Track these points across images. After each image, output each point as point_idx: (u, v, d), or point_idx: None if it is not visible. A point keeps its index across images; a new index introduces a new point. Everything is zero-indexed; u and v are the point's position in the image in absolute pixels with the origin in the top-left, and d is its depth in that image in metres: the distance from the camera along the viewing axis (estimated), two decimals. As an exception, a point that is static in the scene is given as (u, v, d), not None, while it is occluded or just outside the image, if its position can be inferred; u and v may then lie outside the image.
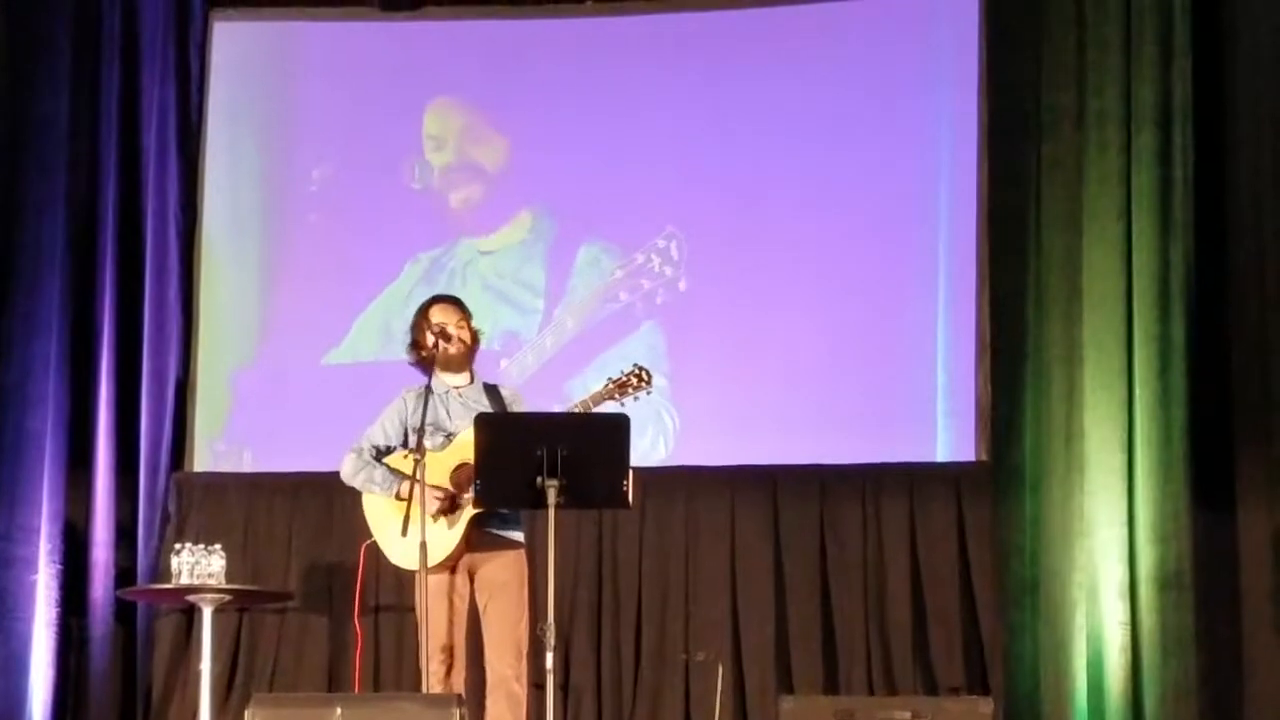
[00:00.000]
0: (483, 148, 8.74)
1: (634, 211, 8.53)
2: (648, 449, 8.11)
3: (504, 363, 8.38)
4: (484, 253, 8.64)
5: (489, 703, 6.62)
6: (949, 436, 8.17)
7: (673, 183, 8.51)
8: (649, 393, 6.64)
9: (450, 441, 6.65)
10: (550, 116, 8.64)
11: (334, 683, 8.20)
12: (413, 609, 6.66)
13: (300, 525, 8.41)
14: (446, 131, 8.75)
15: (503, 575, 6.66)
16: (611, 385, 6.61)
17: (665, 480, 8.05)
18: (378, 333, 8.56)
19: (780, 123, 8.46)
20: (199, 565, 7.62)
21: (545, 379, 8.40)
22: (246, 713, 5.93)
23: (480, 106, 8.76)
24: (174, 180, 8.73)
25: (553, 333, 8.48)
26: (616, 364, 7.95)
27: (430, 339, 6.71)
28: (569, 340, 8.48)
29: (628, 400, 6.58)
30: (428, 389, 6.61)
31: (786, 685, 7.91)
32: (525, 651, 6.63)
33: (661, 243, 8.41)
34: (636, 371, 6.61)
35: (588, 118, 8.63)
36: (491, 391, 6.83)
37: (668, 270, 8.39)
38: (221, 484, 8.53)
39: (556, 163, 8.63)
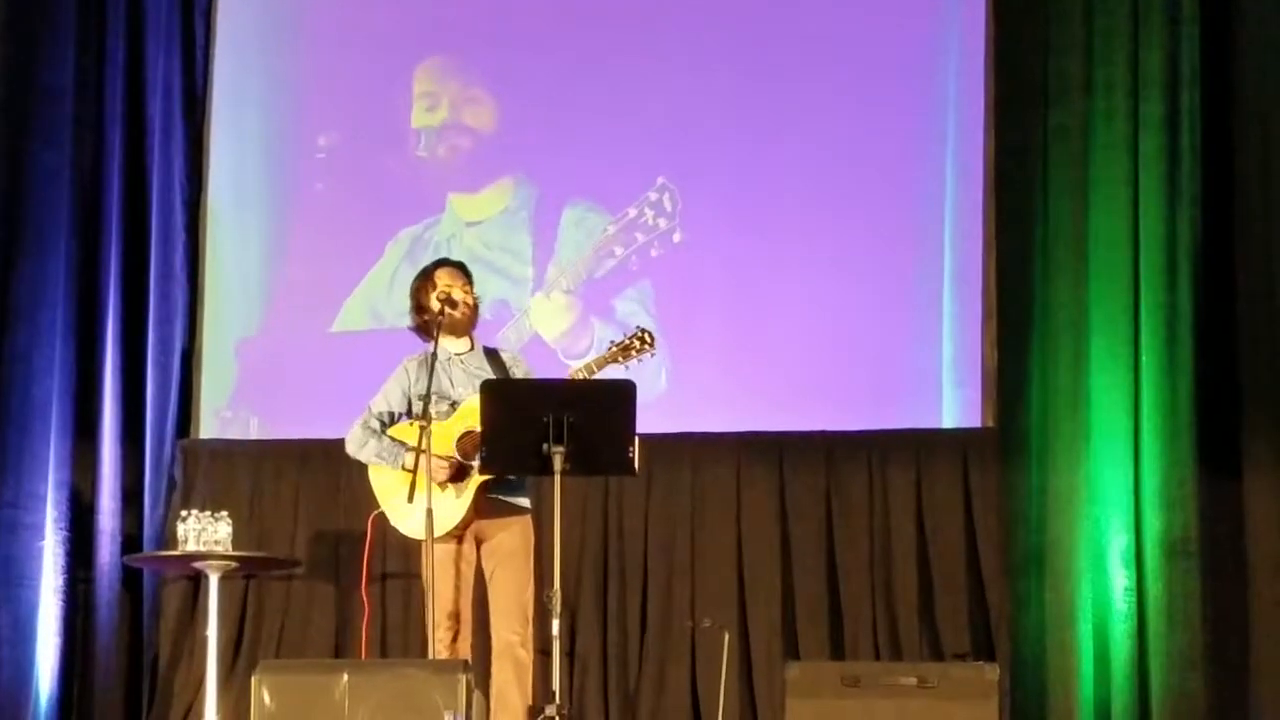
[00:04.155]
0: (472, 108, 8.70)
1: (619, 168, 8.48)
2: (651, 379, 8.05)
3: (504, 328, 8.37)
4: (470, 224, 8.62)
5: (495, 669, 6.64)
6: (955, 404, 8.16)
7: (662, 139, 8.45)
8: (652, 355, 6.65)
9: (455, 409, 6.66)
10: (535, 78, 8.59)
11: (340, 650, 8.21)
12: (419, 576, 6.67)
13: (307, 492, 8.40)
14: (438, 90, 8.72)
15: (509, 542, 6.67)
16: (615, 349, 6.62)
17: (671, 447, 8.04)
18: (378, 299, 8.56)
19: (783, 89, 8.42)
20: (205, 532, 7.62)
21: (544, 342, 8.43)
22: (253, 679, 5.94)
23: (470, 67, 8.71)
24: (179, 148, 8.71)
25: (549, 294, 8.46)
26: (617, 317, 8.03)
27: (436, 304, 6.71)
28: (567, 301, 8.46)
29: (631, 363, 6.58)
30: (432, 356, 6.61)
31: (792, 651, 7.91)
32: (531, 618, 6.65)
33: (654, 195, 8.38)
34: (639, 334, 6.61)
35: (570, 79, 8.58)
36: (493, 356, 6.83)
37: (661, 222, 8.37)
38: (228, 451, 8.53)
39: (541, 124, 8.58)
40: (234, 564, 7.73)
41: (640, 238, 8.39)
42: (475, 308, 6.84)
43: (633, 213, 8.39)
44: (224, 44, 8.81)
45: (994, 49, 8.24)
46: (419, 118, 8.70)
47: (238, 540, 7.76)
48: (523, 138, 8.63)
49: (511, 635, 6.61)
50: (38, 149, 8.56)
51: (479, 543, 6.70)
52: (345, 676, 5.87)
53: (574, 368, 6.71)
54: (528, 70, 8.61)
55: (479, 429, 6.31)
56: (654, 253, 8.39)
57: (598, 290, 8.44)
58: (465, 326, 6.81)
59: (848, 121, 8.38)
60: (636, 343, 6.61)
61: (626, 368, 6.58)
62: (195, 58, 8.80)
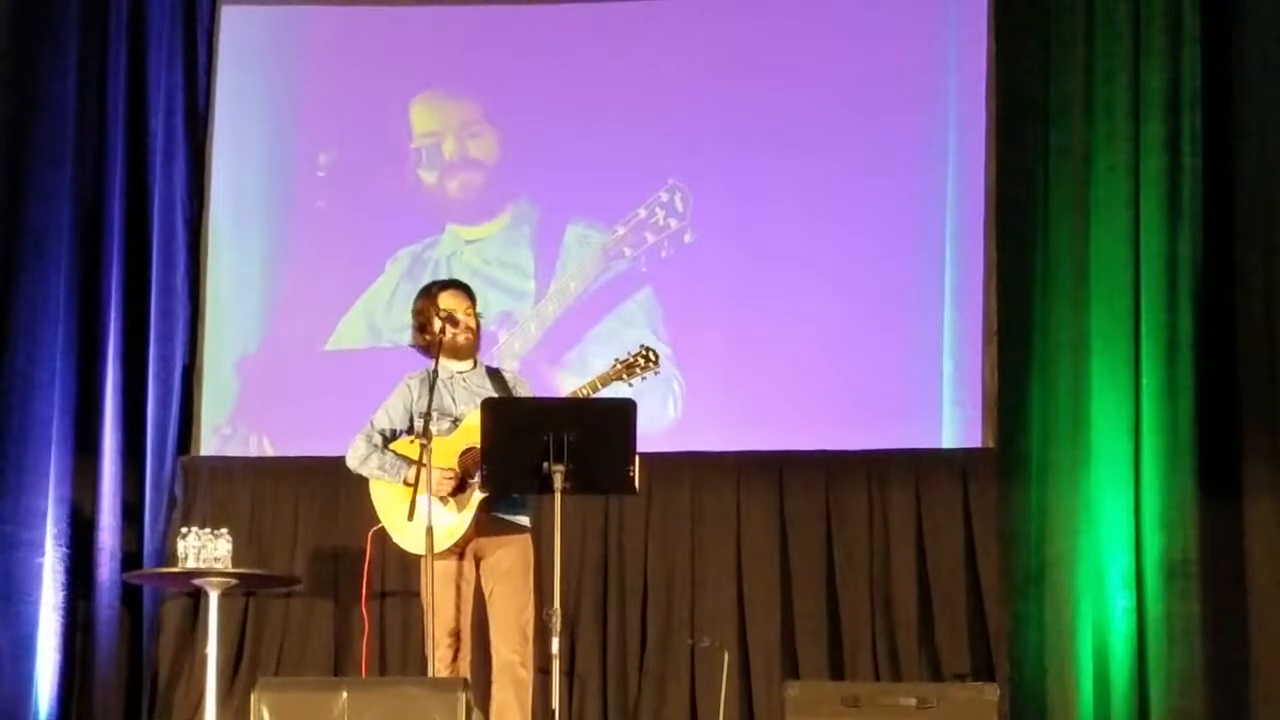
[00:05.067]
0: (476, 140, 8.72)
1: (621, 186, 8.50)
2: (658, 410, 8.08)
3: (504, 335, 8.38)
4: (469, 241, 8.64)
5: (495, 688, 6.63)
6: (955, 424, 8.17)
7: (667, 149, 8.48)
8: (656, 373, 6.65)
9: (456, 426, 6.66)
10: (534, 99, 8.61)
11: (339, 667, 8.21)
12: (419, 594, 6.67)
13: (306, 509, 8.40)
14: (442, 124, 8.73)
15: (508, 560, 6.67)
16: (619, 366, 6.61)
17: (671, 466, 8.05)
18: (377, 316, 8.57)
19: (785, 109, 8.44)
20: (205, 549, 7.62)
21: (551, 346, 8.43)
22: (252, 696, 5.93)
23: (468, 91, 8.73)
24: (181, 166, 8.72)
25: (554, 299, 8.48)
26: (623, 327, 8.02)
27: (438, 324, 6.71)
28: (573, 306, 8.47)
29: (635, 381, 6.59)
30: (433, 375, 6.61)
31: (792, 671, 7.91)
32: (531, 636, 6.64)
33: (665, 195, 8.40)
34: (644, 352, 6.62)
35: (568, 98, 8.60)
36: (495, 375, 6.83)
37: (672, 223, 8.38)
38: (228, 468, 8.53)
39: (542, 145, 8.59)
40: (234, 581, 7.72)
41: (650, 238, 8.41)
42: (478, 332, 6.84)
43: (643, 213, 8.40)
44: (226, 62, 8.82)
45: (995, 70, 8.26)
46: (419, 140, 8.71)
47: (238, 557, 7.76)
48: (525, 162, 8.64)
49: (511, 654, 6.61)
50: (39, 165, 8.56)
51: (478, 560, 6.69)
52: (344, 694, 5.86)
53: (578, 384, 6.73)
54: (527, 92, 8.63)
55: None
56: (664, 254, 8.40)
57: (605, 294, 8.45)
58: (469, 350, 6.80)
59: (849, 143, 8.40)
60: (641, 360, 6.61)
61: (630, 385, 6.59)
62: (197, 76, 8.81)
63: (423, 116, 8.74)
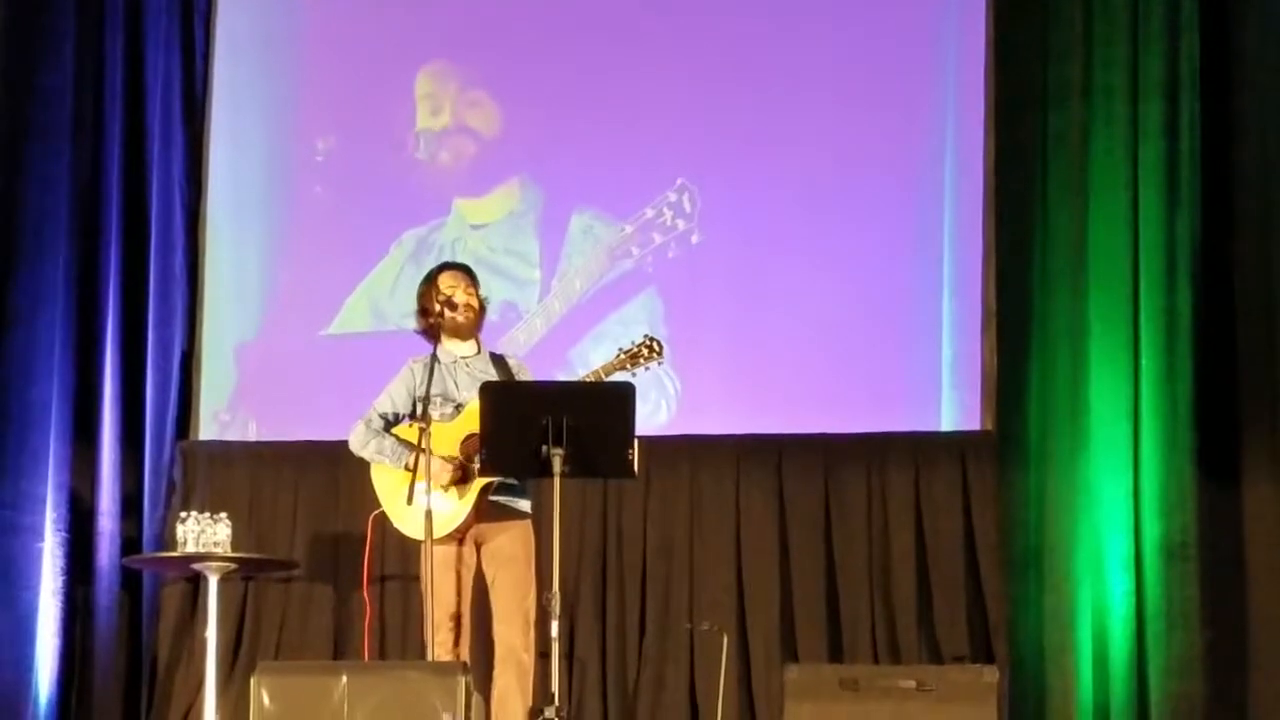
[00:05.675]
0: (475, 111, 8.70)
1: (626, 176, 8.48)
2: (650, 413, 8.08)
3: (510, 331, 8.37)
4: (475, 227, 8.63)
5: (497, 674, 6.64)
6: (954, 408, 8.16)
7: (670, 144, 8.45)
8: (660, 363, 6.66)
9: (459, 412, 6.67)
10: (540, 82, 8.60)
11: (339, 651, 8.21)
12: (419, 578, 6.67)
13: (306, 494, 8.40)
14: (440, 94, 8.72)
15: (510, 547, 6.68)
16: (623, 356, 6.64)
17: (670, 450, 8.05)
18: (381, 299, 8.56)
19: (784, 95, 8.42)
20: (204, 534, 7.62)
21: (554, 342, 8.41)
22: (252, 680, 5.94)
23: (473, 71, 8.72)
24: (178, 152, 8.72)
25: (560, 296, 8.47)
26: (625, 326, 8.02)
27: (438, 307, 6.72)
28: (578, 303, 8.46)
29: (638, 371, 6.60)
30: (432, 358, 6.62)
31: (791, 654, 7.91)
32: (533, 622, 6.65)
33: (673, 196, 8.39)
34: (647, 342, 6.63)
35: (574, 84, 8.58)
36: (498, 361, 6.84)
37: (680, 223, 8.37)
38: (227, 453, 8.53)
39: (547, 129, 8.57)
40: (233, 565, 7.73)
41: (658, 238, 8.40)
42: (480, 310, 6.85)
43: (650, 213, 8.39)
44: (223, 48, 8.81)
45: (993, 54, 8.24)
46: (423, 120, 8.70)
47: (237, 542, 7.77)
48: (528, 141, 8.63)
49: (515, 640, 6.62)
50: (37, 152, 8.57)
51: (479, 546, 6.70)
52: (344, 678, 5.87)
53: (580, 375, 6.74)
54: (532, 75, 8.60)
55: (484, 431, 6.32)
56: (671, 254, 8.40)
57: (610, 293, 8.43)
58: (469, 329, 6.82)
59: (847, 127, 8.38)
60: (645, 350, 6.63)
61: (634, 374, 6.60)
62: (195, 61, 8.80)
63: (424, 91, 8.71)
